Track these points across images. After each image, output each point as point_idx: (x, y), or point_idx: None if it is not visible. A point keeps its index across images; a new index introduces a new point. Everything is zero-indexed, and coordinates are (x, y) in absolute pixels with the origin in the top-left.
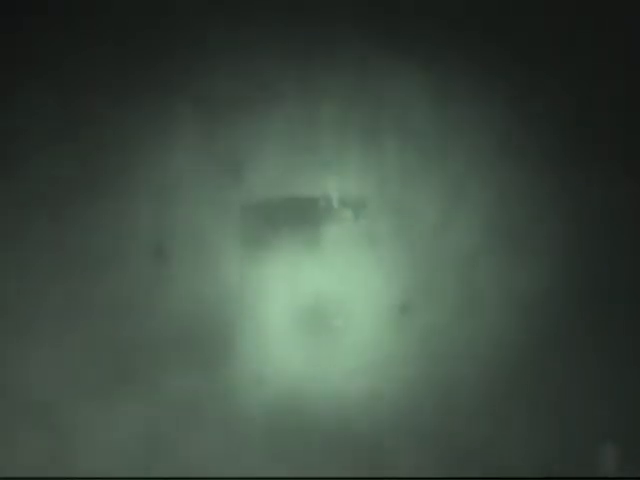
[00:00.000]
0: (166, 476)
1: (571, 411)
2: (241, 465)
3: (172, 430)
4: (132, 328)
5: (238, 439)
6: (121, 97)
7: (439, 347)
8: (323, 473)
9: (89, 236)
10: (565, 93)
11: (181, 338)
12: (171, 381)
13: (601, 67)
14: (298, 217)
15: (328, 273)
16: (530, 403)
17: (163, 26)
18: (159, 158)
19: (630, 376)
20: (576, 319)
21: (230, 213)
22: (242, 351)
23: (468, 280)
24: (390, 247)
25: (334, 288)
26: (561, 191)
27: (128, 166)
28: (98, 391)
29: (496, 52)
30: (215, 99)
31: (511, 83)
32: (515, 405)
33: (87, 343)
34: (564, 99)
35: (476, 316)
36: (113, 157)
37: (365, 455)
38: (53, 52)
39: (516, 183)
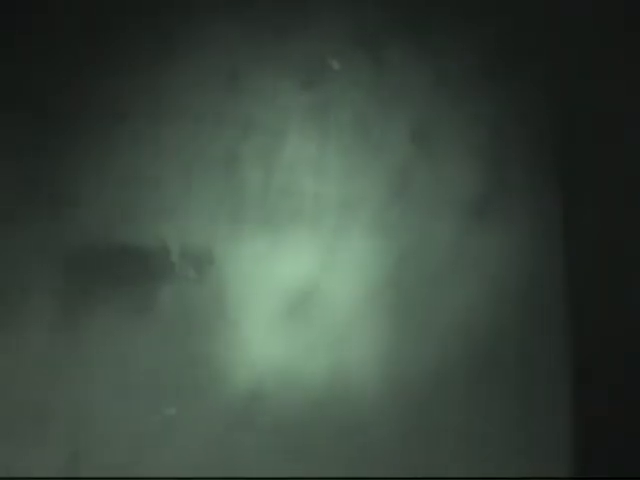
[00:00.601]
0: None
1: None
2: None
3: None
4: None
5: None
6: None
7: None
8: None
9: None
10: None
11: None
12: None
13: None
14: (126, 274)
15: (162, 348)
16: None
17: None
18: None
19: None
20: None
21: (42, 264)
22: (53, 428)
23: (336, 362)
24: (241, 317)
25: (169, 366)
26: (457, 249)
27: None
28: None
29: (391, 81)
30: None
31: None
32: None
33: None
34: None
35: (350, 398)
36: None
37: None
38: None
39: (403, 237)
